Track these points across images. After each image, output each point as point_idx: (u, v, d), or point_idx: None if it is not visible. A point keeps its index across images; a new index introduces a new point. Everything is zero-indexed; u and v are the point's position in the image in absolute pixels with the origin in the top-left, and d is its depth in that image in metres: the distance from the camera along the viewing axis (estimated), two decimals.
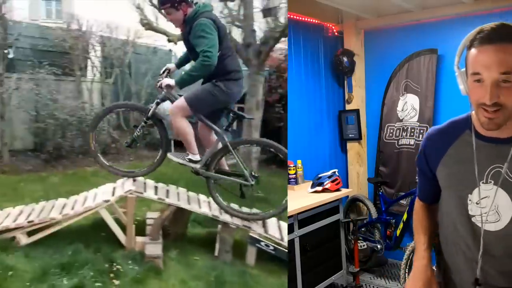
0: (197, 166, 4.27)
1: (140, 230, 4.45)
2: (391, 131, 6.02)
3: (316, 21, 6.13)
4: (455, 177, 1.93)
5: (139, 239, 4.31)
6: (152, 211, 4.91)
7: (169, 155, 4.34)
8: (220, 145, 4.31)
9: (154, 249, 4.19)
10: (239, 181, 4.33)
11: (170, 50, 10.85)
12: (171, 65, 4.47)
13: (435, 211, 2.17)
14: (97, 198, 4.36)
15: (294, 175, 5.41)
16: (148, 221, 4.63)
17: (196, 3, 4.04)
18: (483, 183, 1.83)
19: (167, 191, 4.65)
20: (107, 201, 4.20)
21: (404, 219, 5.37)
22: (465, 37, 1.78)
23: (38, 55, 8.65)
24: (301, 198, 4.92)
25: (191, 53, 4.14)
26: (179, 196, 4.60)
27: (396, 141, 5.95)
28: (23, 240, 4.07)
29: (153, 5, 7.97)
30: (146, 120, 4.29)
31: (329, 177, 5.21)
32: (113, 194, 4.31)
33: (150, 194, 4.38)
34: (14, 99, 7.58)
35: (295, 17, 5.78)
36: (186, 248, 4.52)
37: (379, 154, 6.23)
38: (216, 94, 4.05)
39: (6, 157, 7.31)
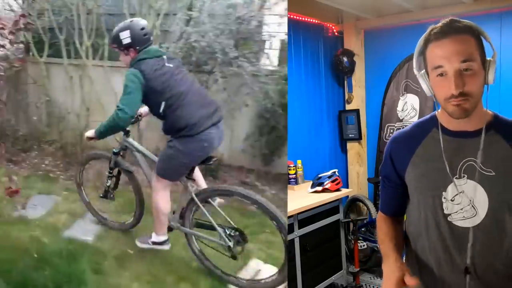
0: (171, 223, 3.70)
1: None
2: (391, 131, 6.01)
3: (316, 21, 6.13)
4: (426, 176, 1.90)
5: None
6: None
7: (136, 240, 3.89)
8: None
9: None
10: (216, 241, 3.56)
11: None
12: (143, 109, 3.95)
13: (401, 223, 2.15)
14: None
15: (294, 175, 5.40)
16: None
17: (146, 47, 3.48)
18: (456, 178, 1.81)
19: None
20: None
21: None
22: (419, 40, 1.81)
23: None
24: (301, 198, 4.91)
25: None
26: None
27: None
28: None
29: None
30: (110, 171, 4.03)
31: (329, 177, 5.20)
32: None
33: None
34: None
35: (295, 17, 5.76)
36: None
37: (379, 154, 6.22)
38: (175, 157, 3.38)
39: None
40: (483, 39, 1.74)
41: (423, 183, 1.92)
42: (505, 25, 4.90)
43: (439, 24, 1.73)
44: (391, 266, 1.83)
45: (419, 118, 5.54)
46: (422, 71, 1.84)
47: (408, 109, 5.80)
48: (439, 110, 1.90)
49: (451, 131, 1.85)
